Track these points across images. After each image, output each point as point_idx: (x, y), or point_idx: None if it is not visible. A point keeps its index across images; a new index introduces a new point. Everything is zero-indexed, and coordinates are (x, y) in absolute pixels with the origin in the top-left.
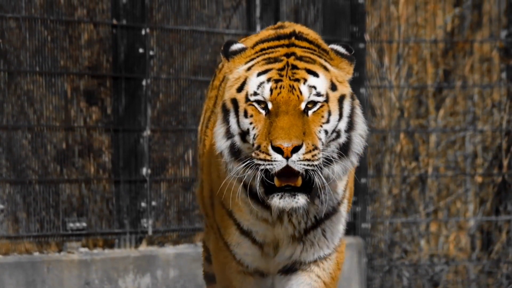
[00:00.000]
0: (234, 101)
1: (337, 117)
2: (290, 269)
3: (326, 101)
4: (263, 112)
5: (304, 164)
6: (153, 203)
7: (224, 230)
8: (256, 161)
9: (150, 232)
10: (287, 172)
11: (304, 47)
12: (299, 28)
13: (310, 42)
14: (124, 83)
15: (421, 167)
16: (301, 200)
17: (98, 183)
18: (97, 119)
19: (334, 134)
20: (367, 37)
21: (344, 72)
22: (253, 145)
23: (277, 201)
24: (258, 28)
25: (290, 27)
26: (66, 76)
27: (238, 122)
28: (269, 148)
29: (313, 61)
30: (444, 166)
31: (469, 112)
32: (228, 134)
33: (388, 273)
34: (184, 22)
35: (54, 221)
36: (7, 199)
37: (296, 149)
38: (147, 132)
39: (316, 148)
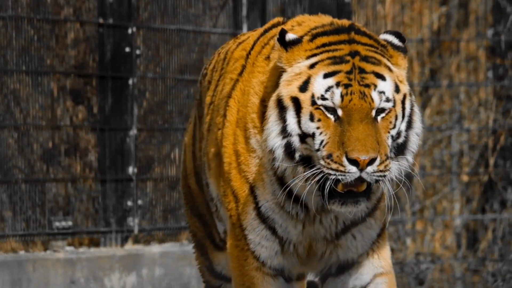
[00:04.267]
0: (295, 100)
1: (401, 119)
2: (336, 272)
3: (393, 106)
4: (331, 117)
5: (376, 176)
6: (139, 202)
7: (242, 208)
8: (326, 170)
9: (136, 231)
10: (355, 180)
11: (366, 44)
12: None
13: (369, 37)
14: (110, 82)
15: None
16: (362, 205)
17: (84, 182)
18: (83, 118)
19: (396, 136)
20: None
21: (401, 69)
22: (317, 150)
23: (338, 207)
24: (244, 27)
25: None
26: (53, 75)
27: (299, 123)
28: (344, 159)
29: (379, 62)
30: (431, 165)
31: (456, 111)
32: (284, 133)
33: None
34: (171, 21)
35: (40, 220)
36: None
37: (371, 161)
38: (133, 131)
39: (387, 158)
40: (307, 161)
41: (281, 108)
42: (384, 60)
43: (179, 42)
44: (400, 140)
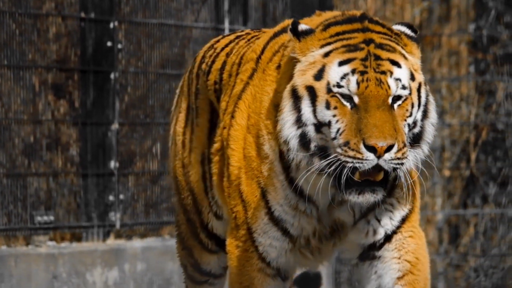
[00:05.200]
0: (310, 89)
1: (416, 108)
2: (364, 258)
3: (410, 93)
4: (347, 105)
5: (394, 163)
6: (121, 196)
7: (252, 213)
8: (343, 158)
9: (117, 226)
10: (372, 167)
11: (380, 32)
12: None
13: (382, 26)
14: (92, 77)
15: None
16: (379, 194)
17: (66, 176)
18: (65, 113)
19: (412, 125)
20: None
21: (416, 58)
22: (333, 138)
23: (356, 197)
24: (226, 21)
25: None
26: (34, 70)
27: (314, 112)
28: (361, 146)
29: (394, 50)
30: None
31: (437, 105)
32: (299, 123)
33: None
34: (152, 15)
35: (21, 214)
36: None
37: (389, 148)
38: (115, 126)
39: (405, 145)
40: (323, 151)
41: (296, 98)
42: (399, 48)
43: (161, 37)
44: (416, 130)
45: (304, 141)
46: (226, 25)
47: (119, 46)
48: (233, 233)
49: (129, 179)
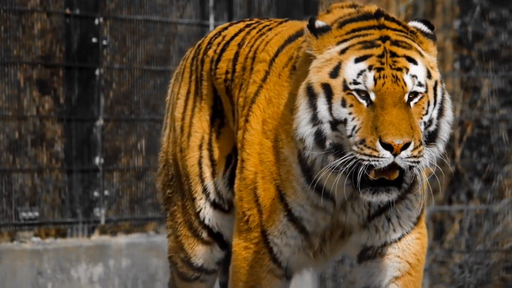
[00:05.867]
0: (326, 87)
1: (432, 106)
2: (365, 256)
3: (426, 91)
4: (364, 102)
5: (410, 161)
6: (106, 192)
7: (268, 216)
8: (359, 156)
9: (102, 222)
10: (388, 166)
11: (396, 29)
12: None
13: (398, 23)
14: (77, 73)
15: None
16: (394, 194)
17: (51, 172)
18: (50, 109)
19: (428, 123)
20: None
21: (432, 55)
22: (349, 136)
23: (370, 196)
24: (211, 18)
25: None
26: (19, 66)
27: (330, 109)
28: (377, 144)
29: (410, 47)
30: None
31: None
32: (315, 120)
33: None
34: (138, 11)
35: (6, 210)
36: None
37: (405, 146)
38: (100, 122)
39: (421, 143)
40: (338, 149)
41: (311, 96)
42: (415, 45)
43: (146, 33)
44: (432, 128)
45: (319, 139)
46: (211, 21)
47: (104, 42)
48: (242, 235)
49: (114, 175)
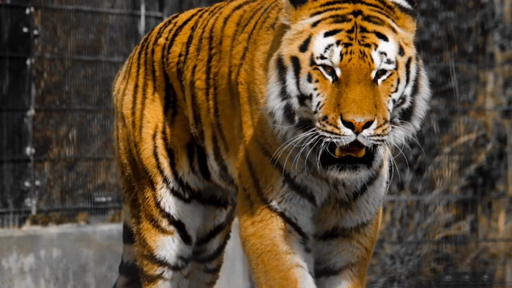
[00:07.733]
0: (295, 60)
1: (404, 83)
2: (330, 234)
3: (396, 68)
4: (329, 78)
5: (374, 140)
6: (37, 182)
7: (265, 182)
8: (321, 133)
9: (33, 212)
10: (351, 143)
11: (370, 4)
12: None
13: None
14: (8, 63)
15: None
16: (362, 172)
17: None
18: None
19: (400, 101)
20: None
21: (408, 32)
22: (315, 112)
23: (337, 173)
24: (142, 8)
25: None
26: None
27: (298, 84)
28: (339, 121)
29: (382, 22)
30: None
31: None
32: (284, 94)
33: None
34: (68, 1)
35: None
36: None
37: (367, 124)
38: (31, 112)
39: (386, 121)
40: (307, 125)
41: (281, 68)
42: (388, 21)
43: (77, 23)
44: (405, 105)
45: (288, 113)
46: (143, 11)
47: (35, 32)
48: (247, 214)
49: (45, 165)
